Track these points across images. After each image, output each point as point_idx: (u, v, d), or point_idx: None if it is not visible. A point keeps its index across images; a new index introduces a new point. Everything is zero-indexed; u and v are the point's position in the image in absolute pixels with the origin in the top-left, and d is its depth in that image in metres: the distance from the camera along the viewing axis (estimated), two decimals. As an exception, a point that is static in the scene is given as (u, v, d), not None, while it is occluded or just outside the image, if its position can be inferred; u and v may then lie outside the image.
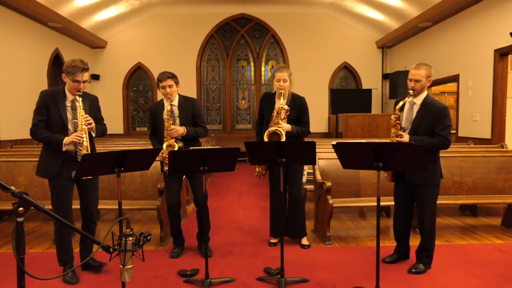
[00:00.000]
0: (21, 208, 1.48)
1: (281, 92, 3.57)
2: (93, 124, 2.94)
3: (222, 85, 11.34)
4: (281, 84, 3.58)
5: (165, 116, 3.43)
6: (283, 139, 3.49)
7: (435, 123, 3.02)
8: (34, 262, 3.36)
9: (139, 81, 11.11)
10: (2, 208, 3.97)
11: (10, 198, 3.72)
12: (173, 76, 3.48)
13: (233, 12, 10.87)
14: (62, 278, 2.96)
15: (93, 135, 3.01)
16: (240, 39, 11.20)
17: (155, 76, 12.70)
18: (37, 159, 4.37)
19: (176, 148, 3.38)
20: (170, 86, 3.45)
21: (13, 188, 1.47)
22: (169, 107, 3.43)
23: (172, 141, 3.41)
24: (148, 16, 10.67)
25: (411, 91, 3.06)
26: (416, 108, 3.11)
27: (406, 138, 3.04)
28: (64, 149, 2.87)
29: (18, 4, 6.74)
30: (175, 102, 3.54)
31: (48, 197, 4.17)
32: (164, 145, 3.41)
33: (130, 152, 2.63)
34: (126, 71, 10.85)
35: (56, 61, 8.66)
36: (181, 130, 3.44)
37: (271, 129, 3.54)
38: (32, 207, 1.51)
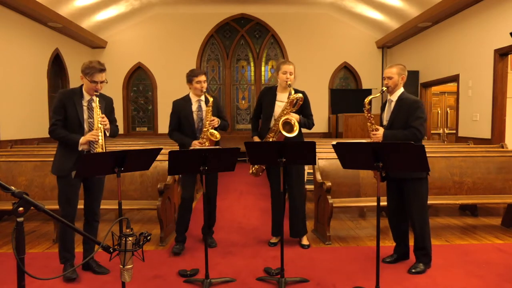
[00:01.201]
0: (21, 208, 1.48)
1: (289, 84, 3.59)
2: (108, 125, 3.00)
3: (222, 85, 11.33)
4: (288, 76, 3.60)
5: (207, 108, 3.58)
6: (296, 128, 3.52)
7: (408, 116, 3.11)
8: (34, 262, 3.36)
9: (139, 81, 11.10)
10: (2, 208, 3.97)
11: (10, 198, 3.72)
12: (205, 72, 3.72)
13: (233, 12, 10.87)
14: (62, 277, 2.96)
15: (107, 134, 3.05)
16: (240, 39, 11.19)
17: (155, 76, 12.56)
18: (37, 159, 4.45)
19: (218, 136, 3.61)
20: (204, 81, 3.64)
21: (13, 188, 1.47)
22: (211, 99, 3.59)
23: (212, 130, 3.59)
24: (148, 16, 10.67)
25: (384, 88, 3.25)
26: (393, 105, 3.23)
27: (380, 132, 3.17)
28: (80, 148, 2.92)
29: (18, 4, 6.73)
30: (202, 97, 3.70)
31: (48, 197, 4.22)
32: (208, 133, 3.59)
33: (130, 152, 2.63)
34: (126, 71, 10.84)
35: (56, 61, 8.66)
36: (216, 120, 3.65)
37: (285, 117, 3.55)
38: (32, 207, 1.51)
